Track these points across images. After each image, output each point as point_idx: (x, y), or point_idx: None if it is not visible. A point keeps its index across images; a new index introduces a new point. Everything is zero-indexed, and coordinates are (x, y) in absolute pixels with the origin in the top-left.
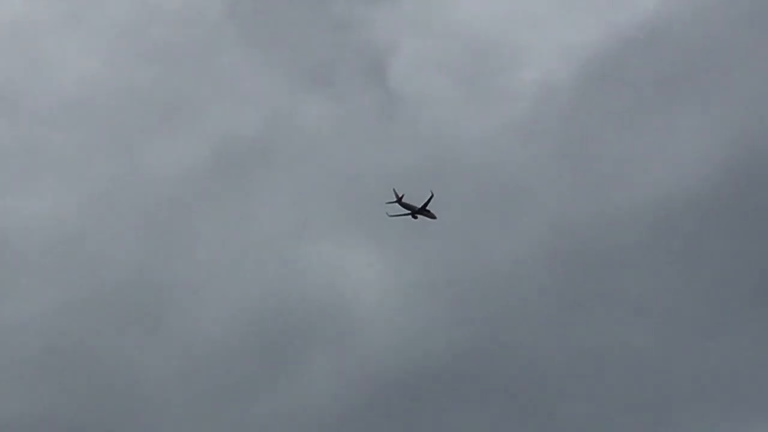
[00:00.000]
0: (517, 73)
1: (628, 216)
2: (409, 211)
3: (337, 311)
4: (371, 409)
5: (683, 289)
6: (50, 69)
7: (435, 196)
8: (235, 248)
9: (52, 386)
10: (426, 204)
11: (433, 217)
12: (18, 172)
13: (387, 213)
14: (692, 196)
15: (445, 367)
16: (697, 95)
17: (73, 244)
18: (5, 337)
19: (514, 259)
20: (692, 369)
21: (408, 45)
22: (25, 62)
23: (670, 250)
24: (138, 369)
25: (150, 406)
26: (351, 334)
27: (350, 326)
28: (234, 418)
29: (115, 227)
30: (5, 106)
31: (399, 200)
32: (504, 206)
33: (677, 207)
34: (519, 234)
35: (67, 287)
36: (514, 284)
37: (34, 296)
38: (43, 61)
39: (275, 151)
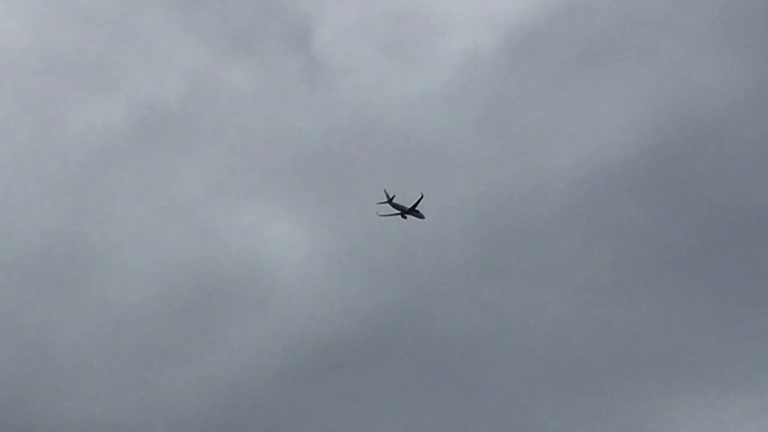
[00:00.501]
0: (442, 42)
1: (550, 184)
2: (399, 211)
3: (258, 275)
4: (291, 373)
5: (603, 258)
6: None
7: (423, 197)
8: (157, 212)
9: None
10: (415, 205)
11: (421, 217)
12: None
13: (377, 213)
14: (614, 165)
15: (365, 332)
16: (621, 65)
17: None
18: None
19: (435, 227)
20: (609, 336)
21: (332, 12)
22: None
23: (592, 219)
24: (58, 332)
25: (69, 369)
26: (272, 299)
27: (271, 291)
28: (154, 382)
29: (35, 190)
30: None
31: (390, 201)
32: (426, 173)
33: (599, 176)
34: (440, 201)
35: None
36: (434, 251)
37: None
38: None
39: (198, 115)
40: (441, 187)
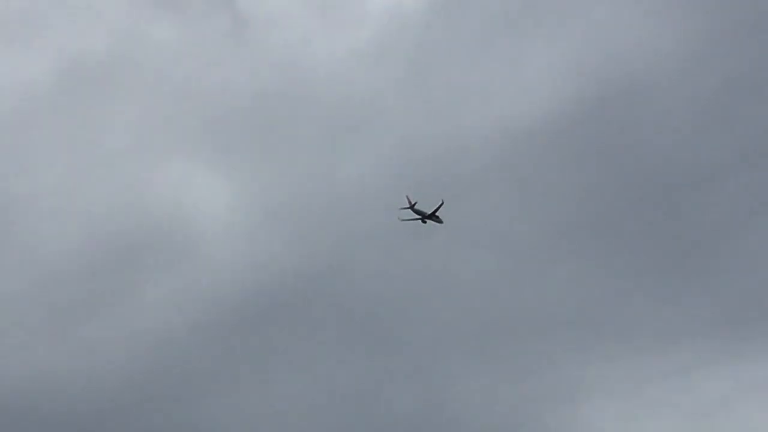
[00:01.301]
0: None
1: (474, 143)
2: (420, 216)
3: (182, 229)
4: (213, 326)
5: (525, 218)
6: None
7: (444, 203)
8: (82, 165)
9: None
10: (436, 210)
11: (440, 221)
12: None
13: (399, 218)
14: (537, 125)
15: (287, 288)
16: (545, 26)
17: None
18: None
19: (361, 183)
20: (531, 295)
21: None
22: None
23: (515, 178)
24: None
25: None
26: (195, 253)
27: (195, 245)
28: (75, 335)
29: None
30: None
31: (412, 207)
32: (352, 130)
33: (522, 136)
34: (366, 158)
35: None
36: (360, 208)
37: None
38: None
39: (123, 70)
40: (364, 143)
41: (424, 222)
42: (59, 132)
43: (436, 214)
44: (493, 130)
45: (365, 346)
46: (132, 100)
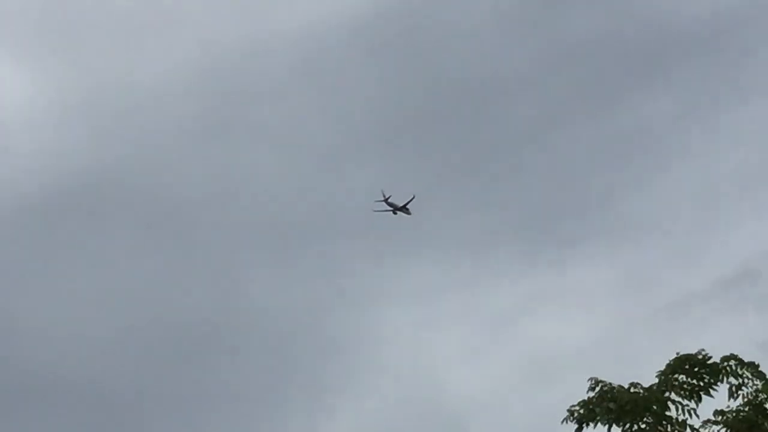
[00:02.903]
0: None
1: (276, 44)
2: (391, 208)
3: None
4: (7, 221)
5: (328, 121)
6: None
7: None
8: None
9: None
10: (406, 204)
11: (409, 213)
12: None
13: (373, 209)
14: (343, 25)
15: (85, 184)
16: None
17: None
18: None
19: (156, 83)
20: (334, 198)
21: None
22: None
23: (318, 81)
24: None
25: None
26: None
27: None
28: None
29: None
30: None
31: (386, 200)
32: (151, 25)
33: (328, 37)
34: (166, 54)
35: None
36: (158, 109)
37: None
38: None
39: None
40: (166, 45)
41: (395, 213)
42: None
43: (407, 206)
44: (297, 30)
45: (161, 245)
46: None
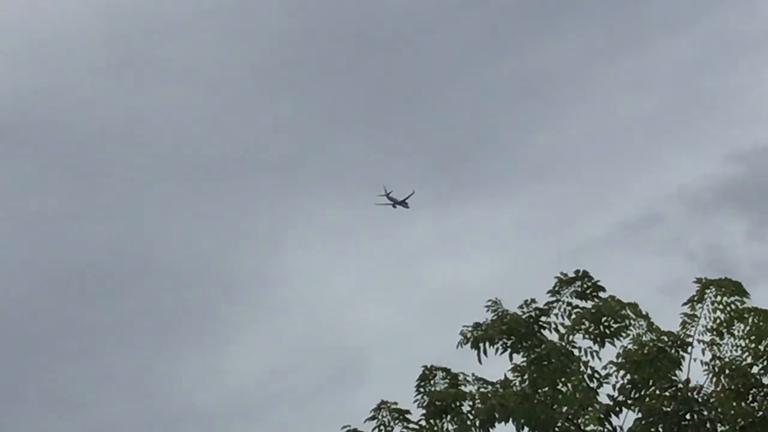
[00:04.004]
0: None
1: None
2: (392, 202)
3: None
4: None
5: (235, 56)
6: None
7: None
8: None
9: None
10: (405, 199)
11: (407, 207)
12: None
13: (375, 203)
14: None
15: None
16: None
17: None
18: None
19: (64, 19)
20: (241, 135)
21: None
22: None
23: (226, 16)
24: None
25: None
26: None
27: None
28: None
29: None
30: None
31: (387, 195)
32: None
33: None
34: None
35: None
36: (64, 42)
37: None
38: None
39: None
40: None
41: (395, 207)
42: None
43: (405, 201)
44: None
45: (64, 181)
46: None
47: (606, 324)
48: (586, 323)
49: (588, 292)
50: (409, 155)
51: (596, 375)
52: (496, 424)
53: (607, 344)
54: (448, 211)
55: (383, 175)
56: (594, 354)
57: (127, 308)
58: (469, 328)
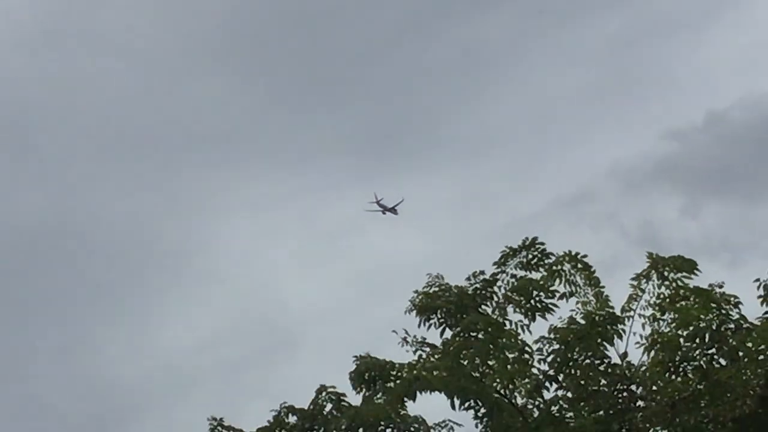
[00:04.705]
0: None
1: None
2: (381, 209)
3: None
4: None
5: (171, 29)
6: None
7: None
8: None
9: None
10: (395, 206)
11: (396, 214)
12: None
13: (365, 209)
14: None
15: None
16: None
17: None
18: None
19: None
20: (176, 109)
21: None
22: None
23: None
24: None
25: None
26: None
27: None
28: None
29: None
30: None
31: (377, 202)
32: None
33: None
34: None
35: None
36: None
37: None
38: None
39: None
40: None
41: (384, 213)
42: None
43: (395, 208)
44: None
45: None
46: None
47: (537, 299)
48: (517, 297)
49: (534, 262)
50: (341, 127)
51: (527, 349)
52: (418, 394)
53: (540, 318)
54: (380, 187)
55: (315, 149)
56: (524, 328)
57: (53, 279)
58: (419, 297)
